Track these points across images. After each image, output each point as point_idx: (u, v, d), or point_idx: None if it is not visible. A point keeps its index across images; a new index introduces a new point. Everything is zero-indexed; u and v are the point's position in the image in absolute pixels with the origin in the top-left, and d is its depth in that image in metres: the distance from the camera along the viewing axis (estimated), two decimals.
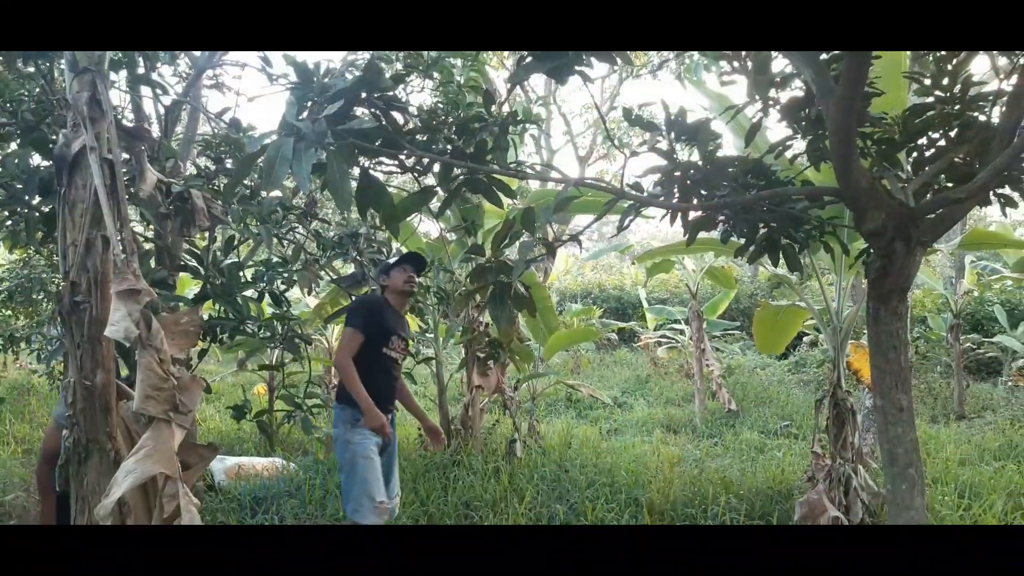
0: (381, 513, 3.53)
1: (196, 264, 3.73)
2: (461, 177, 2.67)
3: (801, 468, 5.87)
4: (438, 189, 2.71)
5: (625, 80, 15.89)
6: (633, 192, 2.71)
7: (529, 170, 2.75)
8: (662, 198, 2.76)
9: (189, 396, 2.29)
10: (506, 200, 6.29)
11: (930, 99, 2.88)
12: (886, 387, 2.46)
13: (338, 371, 3.63)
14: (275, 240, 4.07)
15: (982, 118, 2.76)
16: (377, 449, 3.62)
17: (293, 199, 4.47)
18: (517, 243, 2.76)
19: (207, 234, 3.80)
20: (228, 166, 4.01)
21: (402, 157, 2.53)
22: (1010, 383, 10.04)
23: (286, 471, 5.66)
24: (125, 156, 3.10)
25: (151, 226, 3.62)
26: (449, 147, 2.56)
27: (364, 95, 2.33)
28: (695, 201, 2.80)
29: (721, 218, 3.23)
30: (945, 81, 2.79)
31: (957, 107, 2.80)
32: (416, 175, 2.68)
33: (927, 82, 2.83)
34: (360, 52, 4.06)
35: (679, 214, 3.08)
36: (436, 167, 2.65)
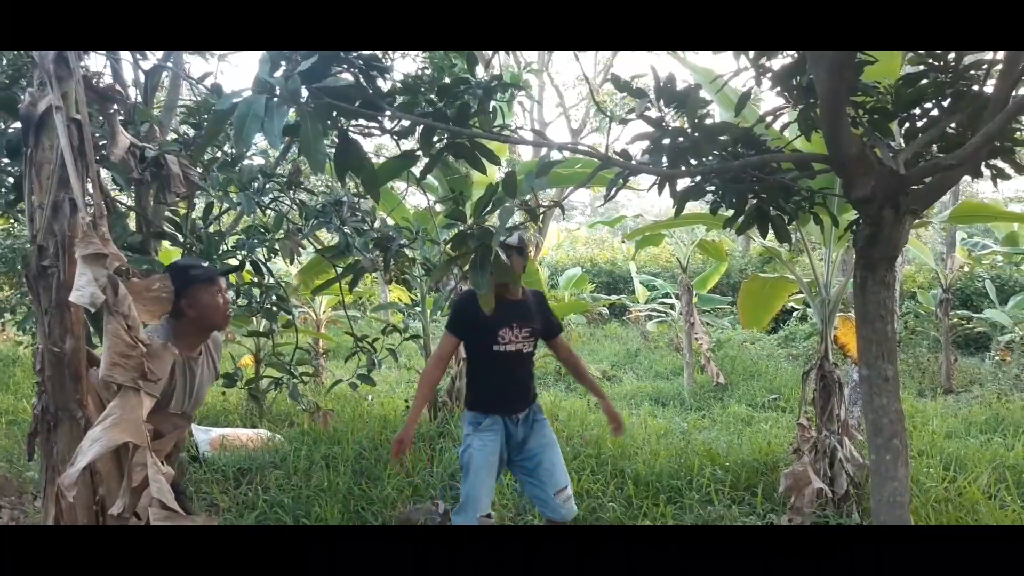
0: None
1: (174, 231, 3.66)
2: (443, 141, 2.60)
3: (788, 440, 5.88)
4: (420, 153, 2.63)
5: (617, 54, 15.71)
6: (619, 159, 2.64)
7: (513, 134, 2.68)
8: (650, 166, 2.70)
9: (159, 364, 2.23)
10: (492, 167, 6.22)
11: (923, 68, 2.83)
12: (872, 357, 2.43)
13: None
14: (257, 209, 3.99)
15: (975, 88, 2.71)
16: (499, 455, 3.41)
17: (276, 167, 4.39)
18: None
19: (185, 201, 3.73)
20: None
21: (382, 119, 2.46)
22: (997, 358, 10.08)
23: (271, 443, 5.63)
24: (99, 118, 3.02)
25: (127, 192, 3.54)
26: (431, 110, 2.49)
27: (342, 53, 2.25)
28: (683, 169, 2.74)
29: (710, 188, 3.18)
30: (938, 51, 2.73)
31: (950, 76, 2.75)
32: (397, 139, 2.61)
33: (920, 51, 2.77)
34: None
35: (667, 183, 3.03)
36: (418, 131, 2.58)
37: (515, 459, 3.50)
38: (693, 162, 2.96)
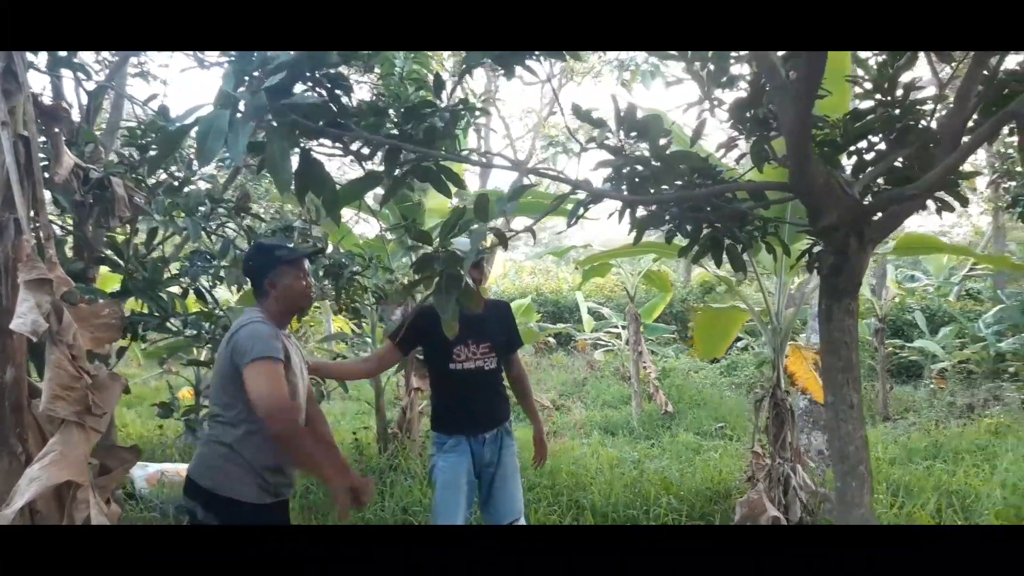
0: None
1: (116, 257, 3.49)
2: (408, 164, 2.54)
3: (737, 468, 5.92)
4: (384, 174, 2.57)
5: (565, 85, 15.97)
6: (589, 185, 2.63)
7: (481, 157, 2.65)
8: (620, 192, 2.70)
9: (105, 396, 2.10)
10: (443, 196, 6.17)
11: (871, 103, 2.90)
12: (837, 384, 2.45)
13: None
14: (203, 234, 3.85)
15: (923, 123, 2.78)
16: (467, 476, 3.32)
17: (224, 192, 4.25)
18: (463, 234, 2.65)
19: (129, 226, 3.57)
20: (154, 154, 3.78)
21: (346, 140, 2.39)
22: (932, 386, 10.41)
23: None
24: (41, 138, 2.87)
25: (68, 214, 3.37)
26: (396, 131, 2.44)
27: (307, 72, 2.19)
28: (649, 195, 2.75)
29: (668, 216, 3.19)
30: (886, 85, 2.80)
31: (898, 111, 2.82)
32: (361, 160, 2.54)
33: (868, 86, 2.84)
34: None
35: (627, 211, 3.04)
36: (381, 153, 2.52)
37: (477, 479, 3.43)
38: (653, 191, 2.97)
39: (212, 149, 1.81)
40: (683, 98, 2.88)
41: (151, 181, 3.77)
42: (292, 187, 2.04)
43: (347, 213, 7.18)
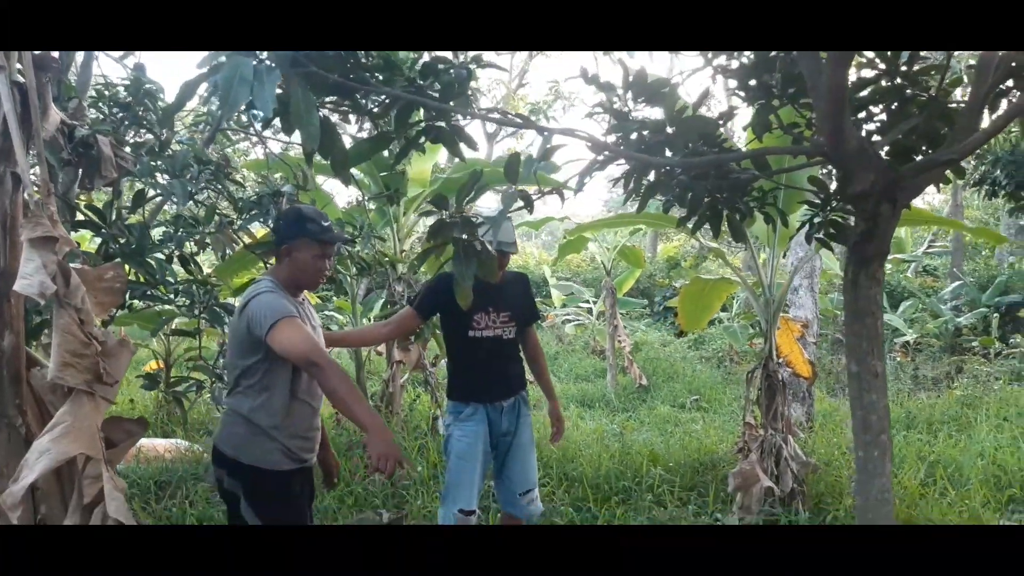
0: (462, 523, 3.15)
1: (98, 220, 3.30)
2: (422, 124, 2.43)
3: (717, 440, 5.96)
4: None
5: (535, 56, 15.80)
6: (607, 145, 2.55)
7: (506, 116, 2.54)
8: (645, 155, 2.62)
9: (116, 363, 1.96)
10: (424, 165, 6.01)
11: (874, 73, 2.85)
12: (862, 353, 2.42)
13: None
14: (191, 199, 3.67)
15: (927, 93, 2.74)
16: (483, 445, 3.25)
17: (206, 147, 4.05)
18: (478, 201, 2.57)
19: (110, 188, 3.38)
20: (140, 112, 3.58)
21: (359, 96, 2.27)
22: (898, 359, 10.63)
23: (191, 453, 5.24)
24: None
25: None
26: (412, 89, 2.32)
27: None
28: (669, 158, 2.68)
29: (674, 184, 3.13)
30: (889, 54, 2.75)
31: (900, 81, 2.76)
32: (374, 119, 2.41)
33: (871, 55, 2.78)
34: None
35: (632, 179, 2.97)
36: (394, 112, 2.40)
37: (492, 449, 3.36)
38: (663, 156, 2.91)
39: (237, 99, 1.69)
40: (662, 66, 2.80)
41: (132, 141, 3.58)
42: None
43: (321, 179, 6.97)
